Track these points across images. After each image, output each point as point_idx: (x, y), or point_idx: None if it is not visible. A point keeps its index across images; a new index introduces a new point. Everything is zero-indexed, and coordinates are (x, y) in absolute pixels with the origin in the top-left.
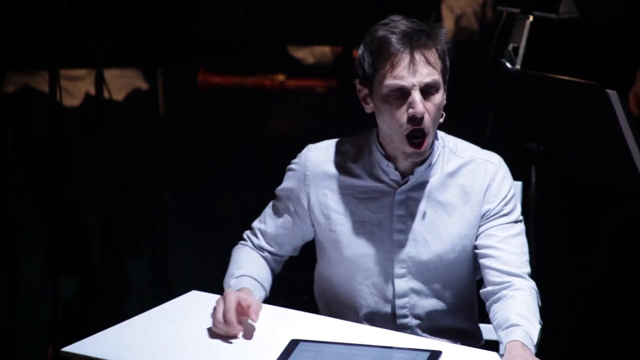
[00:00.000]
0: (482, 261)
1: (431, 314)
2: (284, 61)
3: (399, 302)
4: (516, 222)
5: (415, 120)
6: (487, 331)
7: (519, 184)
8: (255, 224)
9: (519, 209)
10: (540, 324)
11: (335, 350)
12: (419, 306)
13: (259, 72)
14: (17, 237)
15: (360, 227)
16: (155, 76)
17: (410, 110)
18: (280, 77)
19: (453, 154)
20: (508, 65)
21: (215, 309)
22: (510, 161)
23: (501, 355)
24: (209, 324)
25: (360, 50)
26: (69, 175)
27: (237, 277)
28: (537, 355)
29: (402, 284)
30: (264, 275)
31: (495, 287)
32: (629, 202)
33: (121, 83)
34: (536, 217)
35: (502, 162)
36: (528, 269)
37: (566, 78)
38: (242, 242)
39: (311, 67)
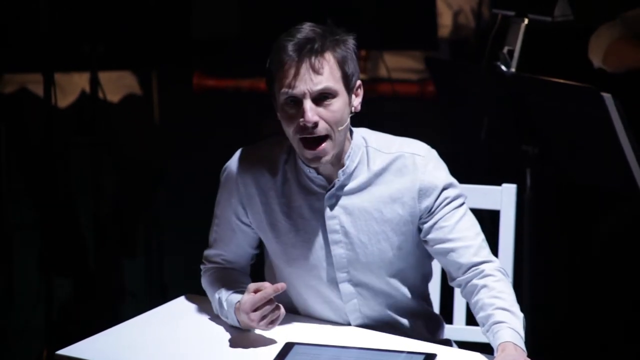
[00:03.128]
0: (442, 258)
1: (382, 312)
2: None
3: (347, 306)
4: (460, 205)
5: (307, 129)
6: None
7: (513, 186)
8: (208, 252)
9: (458, 191)
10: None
11: (330, 352)
12: (368, 306)
13: (254, 75)
14: (12, 239)
15: (297, 236)
16: (151, 79)
17: (301, 120)
18: None
19: (378, 152)
20: (503, 68)
21: (244, 319)
22: (505, 164)
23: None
24: (204, 326)
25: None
26: (64, 177)
27: (226, 298)
28: (531, 356)
29: (347, 288)
30: (246, 280)
31: (464, 278)
32: (623, 204)
33: (117, 85)
34: (531, 220)
35: (429, 152)
36: (487, 250)
37: (561, 81)
38: (205, 268)
39: None
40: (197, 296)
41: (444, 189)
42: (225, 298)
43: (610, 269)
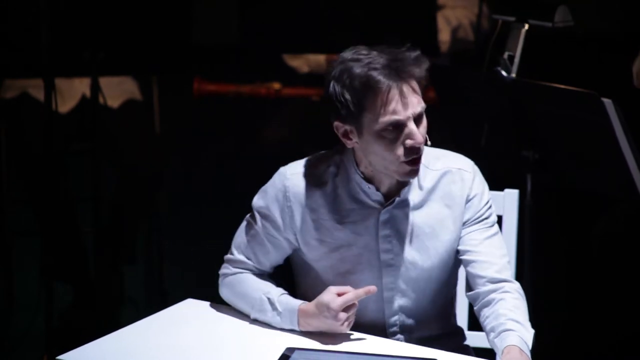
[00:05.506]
0: (467, 268)
1: (420, 327)
2: (280, 70)
3: (389, 320)
4: (492, 225)
5: (417, 150)
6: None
7: (515, 192)
8: (235, 256)
9: (493, 211)
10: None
11: (331, 358)
12: (409, 322)
13: (255, 81)
14: (13, 246)
15: (347, 251)
16: (151, 85)
17: (409, 142)
18: (276, 86)
19: (426, 168)
20: (503, 73)
21: (327, 320)
22: (505, 170)
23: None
24: (205, 332)
25: (336, 89)
26: (64, 182)
27: (278, 299)
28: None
29: (392, 303)
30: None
31: (483, 290)
32: (623, 208)
33: (117, 91)
34: (531, 225)
35: (475, 167)
36: (510, 271)
37: (561, 86)
38: (230, 272)
39: (306, 76)
40: (198, 301)
41: (484, 205)
42: (277, 299)
43: (609, 273)
